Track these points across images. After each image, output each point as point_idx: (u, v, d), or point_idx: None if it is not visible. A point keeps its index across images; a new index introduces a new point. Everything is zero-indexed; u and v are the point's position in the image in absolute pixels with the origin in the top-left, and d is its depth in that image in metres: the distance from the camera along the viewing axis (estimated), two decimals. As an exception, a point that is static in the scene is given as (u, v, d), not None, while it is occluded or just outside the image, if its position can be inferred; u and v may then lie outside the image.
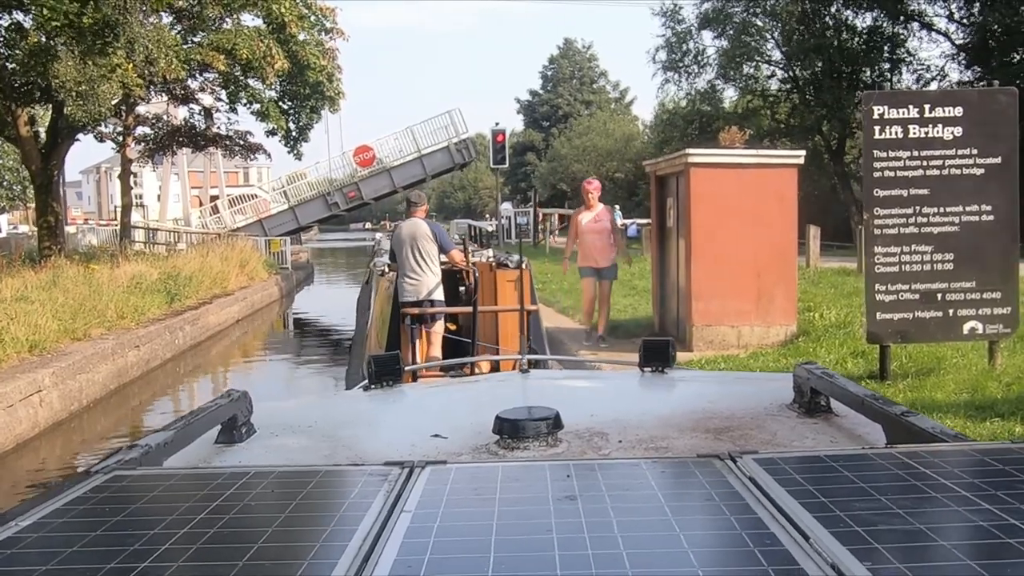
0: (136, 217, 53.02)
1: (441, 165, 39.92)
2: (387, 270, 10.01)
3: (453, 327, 9.62)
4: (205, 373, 18.42)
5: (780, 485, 1.44)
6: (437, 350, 9.00)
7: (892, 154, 8.46)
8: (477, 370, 8.05)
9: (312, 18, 26.31)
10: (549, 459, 1.94)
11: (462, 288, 9.37)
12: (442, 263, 9.25)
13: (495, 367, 6.87)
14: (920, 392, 8.15)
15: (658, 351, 2.98)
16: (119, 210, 32.82)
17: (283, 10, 23.81)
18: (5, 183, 52.20)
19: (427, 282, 9.11)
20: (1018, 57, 28.98)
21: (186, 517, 1.40)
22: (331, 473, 1.70)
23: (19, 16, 17.13)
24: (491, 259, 10.77)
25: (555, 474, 1.59)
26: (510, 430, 2.04)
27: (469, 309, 8.77)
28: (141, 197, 71.98)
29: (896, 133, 8.44)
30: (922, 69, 33.02)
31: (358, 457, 2.10)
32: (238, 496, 1.51)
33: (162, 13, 22.90)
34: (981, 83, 28.42)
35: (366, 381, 3.02)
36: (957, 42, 31.76)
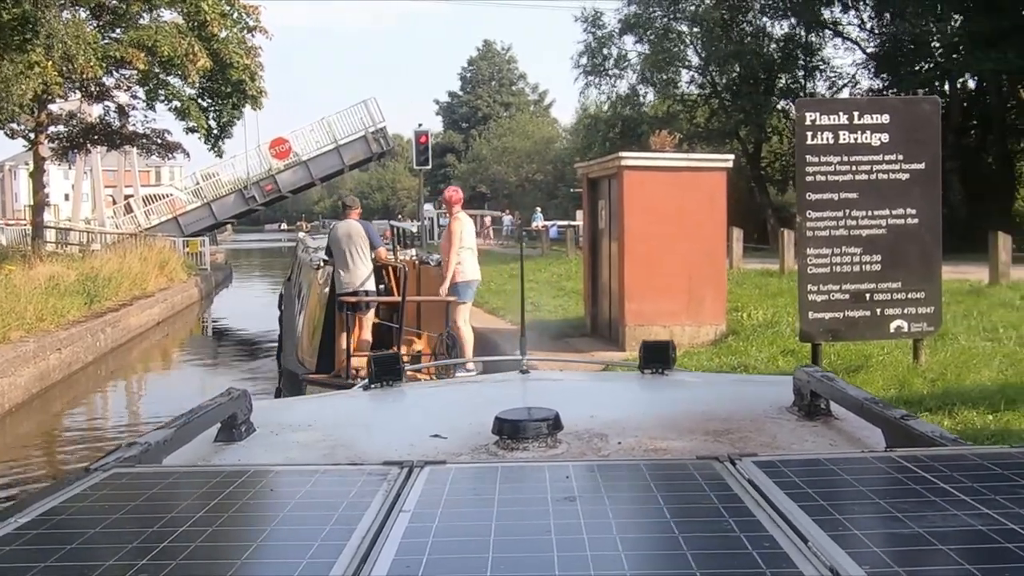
0: (47, 217, 51.46)
1: (359, 155, 39.47)
2: (323, 264, 10.98)
3: (376, 320, 10.69)
4: (128, 376, 18.06)
5: (779, 488, 1.44)
6: (368, 334, 10.34)
7: (823, 159, 8.76)
8: (405, 351, 10.02)
9: (235, 15, 25.87)
10: (548, 460, 1.94)
11: (381, 286, 10.80)
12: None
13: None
14: (850, 388, 8.45)
15: (658, 353, 2.97)
16: (27, 209, 31.80)
17: (205, 7, 23.41)
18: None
19: (360, 275, 10.26)
20: (923, 65, 30.06)
21: (185, 515, 1.39)
22: (330, 472, 1.70)
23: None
24: (415, 258, 12.51)
25: (554, 475, 1.59)
26: (509, 431, 2.04)
27: (399, 299, 10.32)
28: (48, 196, 69.75)
29: (827, 139, 8.74)
30: (835, 76, 34.05)
31: (357, 456, 2.09)
32: (237, 494, 1.51)
33: (79, 9, 22.39)
34: (890, 91, 29.42)
35: (366, 381, 3.01)
36: (868, 50, 32.82)
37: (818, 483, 1.47)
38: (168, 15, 24.77)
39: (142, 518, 1.41)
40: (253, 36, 27.27)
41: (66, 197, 59.63)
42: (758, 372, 9.61)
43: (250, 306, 28.79)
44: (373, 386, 2.93)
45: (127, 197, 44.98)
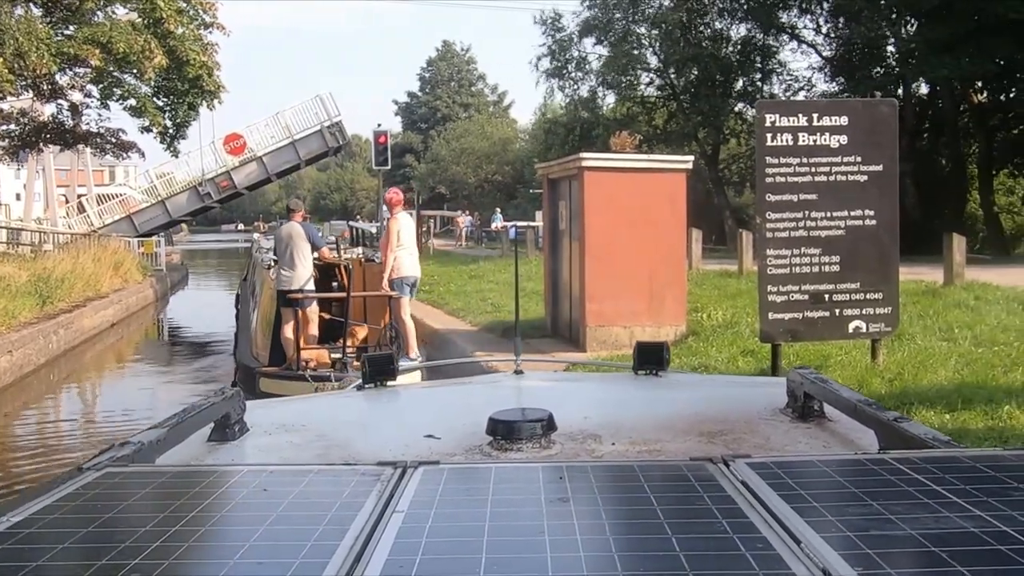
0: (-1, 216, 50.53)
1: (315, 150, 39.05)
2: (273, 264, 11.88)
3: (326, 316, 11.54)
4: (81, 379, 17.75)
5: (772, 489, 1.44)
6: (314, 328, 11.24)
7: (783, 160, 8.80)
8: (349, 341, 11.08)
9: (191, 12, 25.54)
10: (542, 461, 1.94)
11: (335, 283, 11.89)
12: (315, 259, 11.40)
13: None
14: (810, 388, 8.51)
15: (652, 354, 2.98)
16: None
17: (162, 3, 23.08)
18: None
19: (300, 274, 11.11)
20: (878, 70, 30.44)
21: (178, 515, 1.39)
22: (324, 472, 1.70)
23: None
24: (361, 256, 13.33)
25: (548, 476, 1.59)
26: (503, 431, 2.05)
27: (343, 295, 11.15)
28: (-2, 196, 68.48)
29: (787, 140, 8.79)
30: (791, 80, 34.40)
31: (351, 457, 2.09)
32: (230, 494, 1.52)
33: (32, 5, 21.97)
34: (845, 95, 29.76)
35: (360, 381, 2.99)
36: (824, 54, 33.19)
37: (811, 485, 1.48)
38: (123, 12, 24.38)
39: (135, 517, 1.42)
40: (211, 33, 26.97)
41: (17, 197, 58.62)
42: (718, 373, 9.65)
43: (205, 307, 28.45)
44: (367, 386, 2.92)
45: (80, 196, 44.25)
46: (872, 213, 8.99)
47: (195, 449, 2.11)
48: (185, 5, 25.09)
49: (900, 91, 29.55)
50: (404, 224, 11.70)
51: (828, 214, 8.90)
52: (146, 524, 1.35)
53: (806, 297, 8.93)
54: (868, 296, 9.03)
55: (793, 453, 2.06)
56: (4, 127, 28.63)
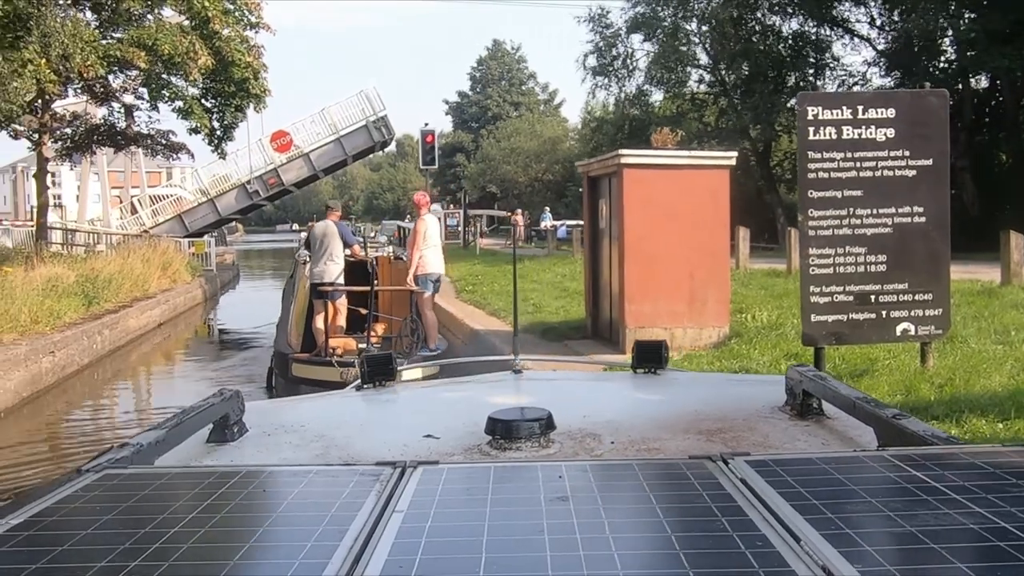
0: (54, 218, 51.41)
1: (361, 145, 38.94)
2: (308, 259, 12.76)
3: (362, 311, 12.38)
4: (124, 379, 17.82)
5: (772, 487, 1.44)
6: (342, 319, 12.42)
7: (826, 155, 8.42)
8: (374, 333, 12.26)
9: (237, 13, 25.62)
10: (541, 460, 1.94)
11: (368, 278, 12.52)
12: (347, 255, 12.34)
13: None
14: (855, 394, 8.12)
15: (651, 353, 2.99)
16: (35, 210, 31.65)
17: (207, 3, 23.16)
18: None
19: (332, 269, 12.05)
20: (935, 63, 29.62)
21: (177, 516, 1.39)
22: (323, 473, 1.69)
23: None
24: (391, 255, 14.92)
25: (547, 475, 1.58)
26: (502, 430, 2.05)
27: (367, 288, 11.94)
28: (60, 197, 69.87)
29: (830, 134, 8.40)
30: (845, 74, 33.62)
31: (350, 457, 2.10)
32: (229, 495, 1.51)
33: (79, 8, 22.17)
34: (902, 88, 28.97)
35: (358, 381, 3.00)
36: (879, 47, 32.40)
37: (810, 482, 1.47)
38: (170, 13, 24.51)
39: (134, 519, 1.41)
40: (256, 33, 27.05)
41: (76, 198, 59.57)
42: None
43: (254, 305, 28.55)
44: (366, 386, 2.93)
45: (132, 197, 44.81)
46: (921, 210, 8.55)
47: (194, 450, 2.11)
48: (231, 6, 25.15)
49: (959, 85, 28.70)
50: (430, 224, 12.46)
51: (874, 211, 8.49)
52: (145, 526, 1.35)
53: (851, 298, 8.53)
54: (917, 297, 8.60)
55: (792, 451, 2.06)
56: (58, 129, 29.05)
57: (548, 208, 46.68)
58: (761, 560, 1.17)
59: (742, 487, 1.46)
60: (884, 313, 8.56)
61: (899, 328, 8.61)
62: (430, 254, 12.13)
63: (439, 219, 44.02)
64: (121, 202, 45.99)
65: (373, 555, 1.22)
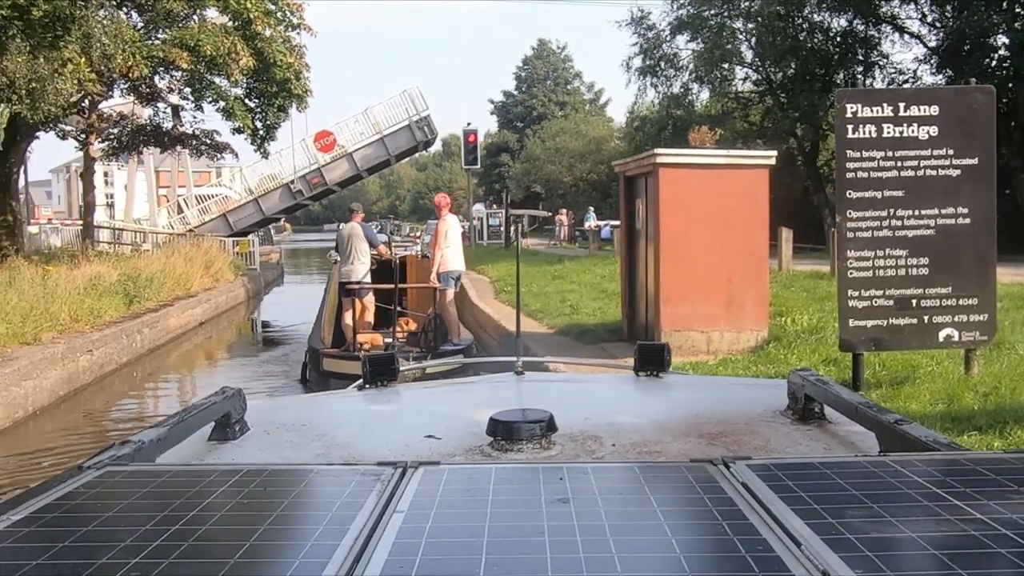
0: (104, 217, 52.13)
1: (403, 145, 38.88)
2: (338, 260, 13.31)
3: (395, 309, 12.77)
4: (161, 377, 17.89)
5: (773, 491, 1.44)
6: (369, 315, 12.97)
7: (866, 154, 8.13)
8: (399, 329, 12.65)
9: (279, 14, 25.70)
10: (542, 461, 1.94)
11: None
12: (374, 255, 12.94)
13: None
14: (894, 402, 7.82)
15: (653, 355, 2.99)
16: (83, 209, 32.08)
17: (249, 5, 23.25)
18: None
19: (358, 268, 12.60)
20: (991, 60, 28.87)
21: (178, 514, 1.39)
22: (324, 472, 1.70)
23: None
24: (418, 253, 15.50)
25: (548, 477, 1.58)
26: (504, 432, 2.04)
27: (392, 286, 12.37)
28: (111, 196, 70.86)
29: (870, 132, 8.11)
30: (895, 72, 32.89)
31: (351, 456, 2.10)
32: (230, 493, 1.51)
33: (123, 9, 22.35)
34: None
35: (360, 380, 3.00)
36: (930, 45, 31.67)
37: (812, 487, 1.47)
38: (212, 14, 24.65)
39: (135, 516, 1.41)
40: (298, 34, 27.11)
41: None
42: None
43: (296, 305, 28.59)
44: (367, 386, 2.93)
45: (178, 196, 45.24)
46: (966, 211, 8.24)
47: (196, 448, 2.11)
48: (273, 7, 25.22)
49: (1010, 83, 27.93)
50: (451, 225, 13.15)
51: (916, 212, 8.20)
52: (146, 523, 1.35)
53: (891, 303, 8.24)
54: (961, 302, 8.28)
55: (794, 455, 2.05)
56: (105, 130, 29.39)
57: (592, 208, 46.31)
58: (762, 564, 1.17)
59: (743, 491, 1.46)
60: (926, 318, 8.26)
61: (942, 334, 8.30)
62: (450, 253, 12.86)
63: (481, 219, 43.96)
64: (168, 201, 46.46)
65: (373, 555, 1.22)
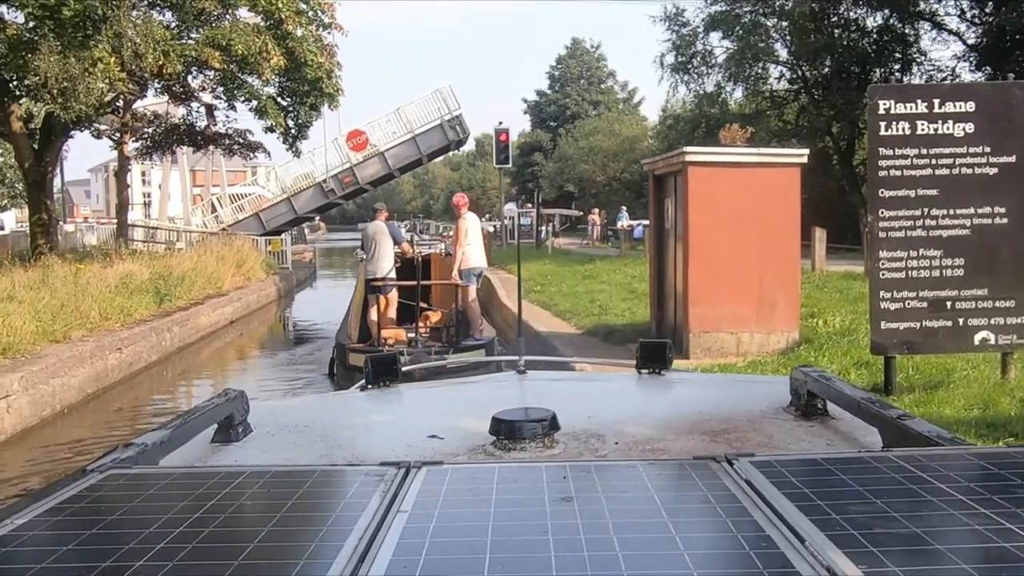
0: (141, 216, 52.65)
1: (435, 144, 38.72)
2: (363, 259, 13.71)
3: (422, 306, 13.35)
4: (191, 376, 17.94)
5: (776, 488, 1.43)
6: (392, 311, 13.28)
7: (899, 152, 7.93)
8: (422, 324, 13.16)
9: (310, 14, 25.71)
10: (545, 460, 1.94)
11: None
12: (397, 252, 13.29)
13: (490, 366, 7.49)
14: (927, 407, 7.61)
15: (655, 353, 2.99)
16: (117, 208, 32.38)
17: (280, 5, 23.28)
18: (7, 180, 51.79)
19: (383, 265, 13.03)
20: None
21: (182, 516, 1.39)
22: (327, 473, 1.71)
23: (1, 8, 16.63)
24: (442, 251, 15.56)
25: (551, 475, 1.58)
26: (507, 431, 2.05)
27: (414, 283, 12.72)
28: (149, 195, 71.61)
29: (903, 129, 7.90)
30: (933, 70, 32.33)
31: (354, 457, 2.10)
32: (234, 495, 1.51)
33: (157, 9, 22.48)
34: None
35: (363, 381, 3.00)
36: (969, 42, 31.12)
37: (815, 483, 1.47)
38: (245, 13, 24.73)
39: (139, 519, 1.41)
40: (330, 33, 27.12)
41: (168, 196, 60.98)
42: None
43: (328, 303, 28.62)
44: (370, 387, 2.92)
45: (213, 196, 45.52)
46: (1003, 210, 8.02)
47: (199, 450, 2.11)
48: (304, 7, 25.25)
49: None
50: (471, 223, 13.44)
51: (951, 211, 7.98)
52: (150, 526, 1.35)
53: (925, 304, 8.03)
54: (998, 304, 8.05)
55: (797, 451, 2.04)
56: (139, 129, 29.63)
57: (625, 208, 46.06)
58: (765, 561, 1.17)
59: (746, 488, 1.46)
60: (961, 321, 8.04)
61: (977, 337, 8.07)
62: (472, 250, 13.16)
63: (513, 218, 43.92)
64: (202, 200, 46.76)
65: (377, 555, 1.22)
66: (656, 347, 3.02)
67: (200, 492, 1.53)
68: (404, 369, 3.15)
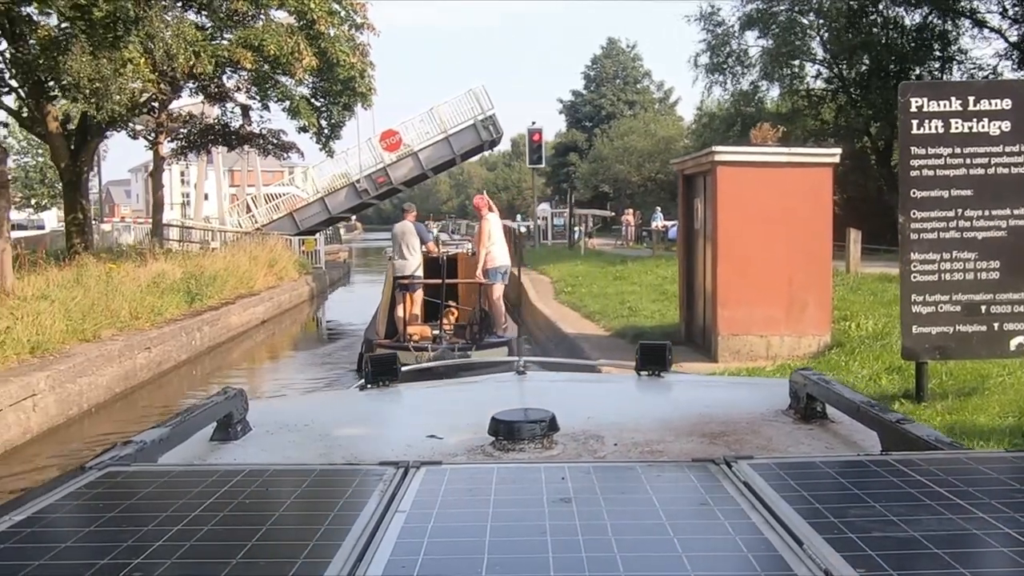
0: (178, 215, 53.08)
1: (468, 144, 38.62)
2: (391, 257, 14.33)
3: (451, 305, 14.12)
4: (219, 376, 17.97)
5: (775, 490, 1.44)
6: (417, 308, 13.79)
7: (932, 151, 7.70)
8: (447, 321, 13.55)
9: (342, 14, 25.73)
10: (544, 461, 1.93)
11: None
12: (424, 252, 13.90)
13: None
14: (960, 415, 7.37)
15: (655, 355, 2.99)
16: (152, 207, 32.63)
17: (313, 5, 23.31)
18: (47, 180, 52.52)
19: (411, 264, 13.64)
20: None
21: (180, 514, 1.39)
22: (326, 472, 1.70)
23: (31, 9, 16.75)
24: (468, 251, 15.84)
25: (550, 476, 1.58)
26: (506, 431, 2.04)
27: (439, 281, 13.38)
28: (187, 195, 72.18)
29: (936, 128, 7.67)
30: (974, 68, 31.78)
31: (353, 456, 2.10)
32: (232, 494, 1.51)
33: (190, 10, 22.60)
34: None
35: (363, 380, 3.01)
36: (1011, 39, 30.53)
37: (814, 486, 1.47)
38: (278, 14, 24.80)
39: (137, 517, 1.41)
40: (362, 33, 27.13)
41: (205, 196, 61.46)
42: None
43: (362, 303, 28.61)
44: (369, 386, 2.92)
45: (248, 195, 45.78)
46: (1041, 212, 7.74)
47: (198, 448, 2.11)
48: (337, 7, 25.27)
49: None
50: (494, 224, 13.90)
51: (986, 212, 7.73)
52: (148, 523, 1.35)
53: (958, 308, 7.79)
54: (1035, 308, 7.78)
55: (796, 454, 2.04)
56: (175, 129, 29.83)
57: (659, 208, 45.73)
58: (764, 563, 1.17)
59: (745, 490, 1.46)
60: (996, 325, 7.79)
61: (1014, 342, 7.82)
62: (496, 250, 13.59)
63: (546, 218, 43.67)
64: (237, 200, 47.04)
65: (375, 555, 1.22)
66: (656, 349, 3.02)
67: (199, 490, 1.53)
68: (404, 369, 3.13)
